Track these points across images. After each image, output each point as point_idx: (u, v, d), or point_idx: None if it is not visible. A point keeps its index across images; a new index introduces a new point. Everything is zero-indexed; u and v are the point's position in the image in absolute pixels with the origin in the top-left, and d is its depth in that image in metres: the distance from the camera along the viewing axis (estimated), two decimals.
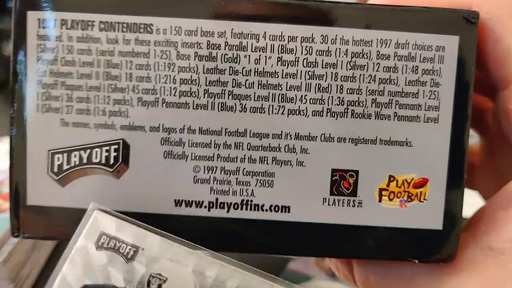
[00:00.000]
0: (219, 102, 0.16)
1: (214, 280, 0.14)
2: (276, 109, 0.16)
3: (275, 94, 0.16)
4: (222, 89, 0.16)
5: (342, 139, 0.16)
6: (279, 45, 0.16)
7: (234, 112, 0.16)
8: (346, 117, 0.16)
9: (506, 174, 0.22)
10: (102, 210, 0.15)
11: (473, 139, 0.24)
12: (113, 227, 0.14)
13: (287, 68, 0.16)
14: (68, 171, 0.16)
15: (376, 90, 0.16)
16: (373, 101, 0.16)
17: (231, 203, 0.17)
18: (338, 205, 0.16)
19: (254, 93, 0.16)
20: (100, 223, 0.14)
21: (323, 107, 0.16)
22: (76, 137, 0.16)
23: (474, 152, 0.25)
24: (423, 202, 0.17)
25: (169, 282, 0.13)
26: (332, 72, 0.16)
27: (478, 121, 0.23)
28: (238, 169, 0.16)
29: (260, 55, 0.16)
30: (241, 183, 0.16)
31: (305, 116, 0.16)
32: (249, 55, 0.16)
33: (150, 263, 0.14)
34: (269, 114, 0.16)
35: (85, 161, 0.16)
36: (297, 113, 0.16)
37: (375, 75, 0.16)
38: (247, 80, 0.16)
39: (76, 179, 0.16)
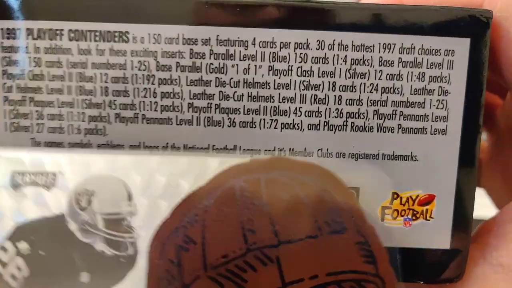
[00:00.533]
0: (205, 117, 0.15)
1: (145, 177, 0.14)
2: (268, 123, 0.15)
3: (266, 106, 0.15)
4: (208, 103, 0.15)
5: (341, 154, 0.15)
6: (270, 53, 0.14)
7: (222, 127, 0.15)
8: (346, 130, 0.15)
9: None
10: (7, 151, 0.14)
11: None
12: (23, 163, 0.13)
13: (279, 78, 0.15)
14: None
15: (378, 100, 0.15)
16: (375, 112, 0.15)
17: None
18: None
19: (244, 106, 0.15)
20: (9, 163, 0.13)
21: (319, 120, 0.15)
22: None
23: (481, 148, 0.23)
24: (429, 220, 0.15)
25: (97, 193, 0.13)
26: (329, 82, 0.15)
27: (487, 118, 0.22)
28: None
29: (249, 64, 0.14)
30: None
31: (300, 130, 0.15)
32: (237, 65, 0.14)
33: (72, 183, 0.13)
34: (260, 128, 0.15)
35: None
36: (291, 127, 0.15)
37: (377, 84, 0.15)
38: (235, 92, 0.15)
39: None
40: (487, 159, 0.23)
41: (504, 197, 0.22)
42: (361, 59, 0.14)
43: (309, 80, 0.15)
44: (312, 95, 0.15)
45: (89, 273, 0.13)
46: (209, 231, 0.13)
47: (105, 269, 0.13)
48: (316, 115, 0.15)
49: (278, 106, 0.15)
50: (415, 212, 0.15)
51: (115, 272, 0.13)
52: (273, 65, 0.14)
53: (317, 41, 0.14)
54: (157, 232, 0.13)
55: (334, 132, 0.15)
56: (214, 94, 0.15)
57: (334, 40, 0.14)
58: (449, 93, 0.15)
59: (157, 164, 0.14)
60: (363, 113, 0.15)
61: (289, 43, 0.14)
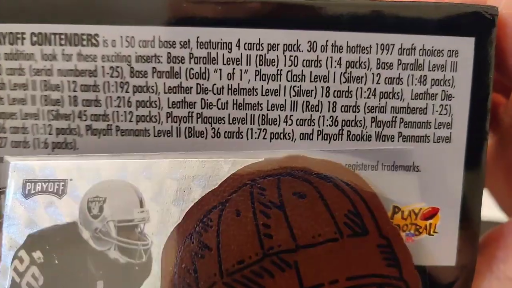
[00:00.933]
0: (186, 127, 0.13)
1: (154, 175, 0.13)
2: (256, 133, 0.13)
3: (254, 115, 0.13)
4: (189, 112, 0.13)
5: None
6: (256, 56, 0.13)
7: (205, 138, 0.13)
8: (341, 139, 0.14)
9: None
10: (19, 160, 0.14)
11: None
12: (34, 171, 0.13)
13: (267, 83, 0.13)
14: None
15: (376, 107, 0.13)
16: (373, 119, 0.13)
17: None
18: None
19: (229, 114, 0.13)
20: (20, 172, 0.13)
21: (313, 129, 0.13)
22: None
23: None
24: (433, 235, 0.14)
25: (109, 200, 0.13)
26: (322, 87, 0.13)
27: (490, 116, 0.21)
28: None
29: (233, 68, 0.13)
30: None
31: (292, 140, 0.13)
32: (220, 69, 0.13)
33: (83, 190, 0.13)
34: (247, 139, 0.13)
35: None
36: (282, 137, 0.13)
37: (375, 89, 0.13)
38: (219, 99, 0.13)
39: None
40: (490, 158, 0.22)
41: (508, 197, 0.21)
42: (357, 62, 0.13)
43: (301, 85, 0.13)
44: (304, 101, 0.13)
45: (104, 282, 0.13)
46: (224, 236, 0.13)
47: (120, 277, 0.13)
48: (309, 123, 0.13)
49: (267, 114, 0.13)
50: (417, 227, 0.14)
51: (130, 280, 0.13)
52: (260, 69, 0.13)
53: (308, 42, 0.13)
54: (171, 239, 0.13)
55: (329, 142, 0.14)
56: (195, 102, 0.13)
57: (327, 40, 0.13)
58: (453, 97, 0.13)
59: (168, 168, 0.13)
60: (360, 120, 0.13)
61: (278, 44, 0.13)
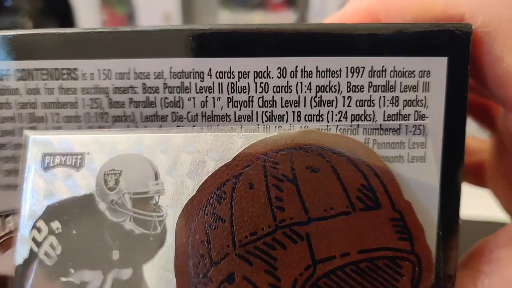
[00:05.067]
0: None
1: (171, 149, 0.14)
2: None
3: None
4: None
5: None
6: (228, 83, 0.13)
7: None
8: None
9: None
10: (38, 135, 0.14)
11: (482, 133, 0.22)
12: (52, 145, 0.14)
13: (240, 109, 0.14)
14: (4, 238, 0.15)
15: (348, 129, 0.14)
16: None
17: None
18: None
19: None
20: (39, 145, 0.14)
21: None
22: (7, 201, 0.14)
23: (485, 149, 0.22)
24: None
25: (124, 173, 0.13)
26: (294, 111, 0.13)
27: (486, 117, 0.21)
28: None
29: (206, 96, 0.13)
30: None
31: None
32: (193, 97, 0.13)
33: (100, 163, 0.13)
34: None
35: None
36: None
37: (346, 112, 0.13)
38: (194, 126, 0.14)
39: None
40: (491, 158, 0.22)
41: (509, 200, 0.20)
42: (327, 86, 0.13)
43: (272, 111, 0.13)
44: (276, 126, 0.14)
45: (120, 251, 0.13)
46: (237, 208, 0.13)
47: (135, 247, 0.13)
48: None
49: None
50: None
51: (145, 250, 0.13)
52: (232, 97, 0.13)
53: (278, 68, 0.13)
54: (185, 211, 0.13)
55: None
56: (171, 130, 0.14)
57: (296, 66, 0.13)
58: (426, 117, 0.13)
59: (182, 142, 0.13)
60: None
61: (248, 72, 0.13)
